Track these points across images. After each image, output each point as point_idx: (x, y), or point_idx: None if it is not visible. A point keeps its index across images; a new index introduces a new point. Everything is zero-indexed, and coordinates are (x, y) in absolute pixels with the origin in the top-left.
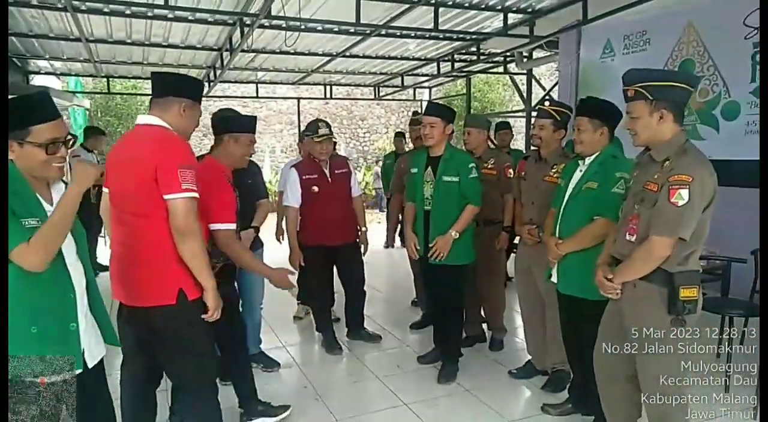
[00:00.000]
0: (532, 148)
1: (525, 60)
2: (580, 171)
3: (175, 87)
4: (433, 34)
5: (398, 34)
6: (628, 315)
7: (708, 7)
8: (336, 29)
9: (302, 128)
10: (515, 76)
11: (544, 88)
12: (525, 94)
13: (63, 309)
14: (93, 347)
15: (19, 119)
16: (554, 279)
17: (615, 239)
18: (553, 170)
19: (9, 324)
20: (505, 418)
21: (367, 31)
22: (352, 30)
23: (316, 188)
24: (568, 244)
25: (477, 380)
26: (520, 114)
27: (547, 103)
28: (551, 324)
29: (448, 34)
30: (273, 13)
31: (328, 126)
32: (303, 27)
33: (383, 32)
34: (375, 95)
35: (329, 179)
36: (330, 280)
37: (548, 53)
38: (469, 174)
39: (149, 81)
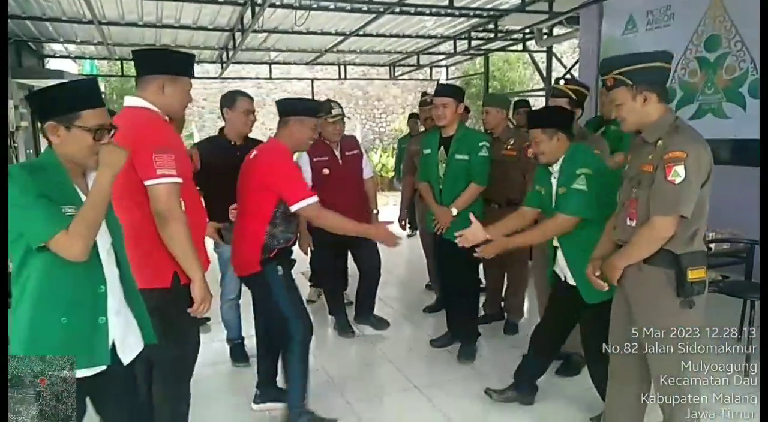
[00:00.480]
0: None
1: (545, 37)
2: (554, 178)
3: (150, 64)
4: (448, 10)
5: (413, 11)
6: (635, 299)
7: None
8: (348, 8)
9: None
10: (535, 54)
11: (565, 66)
12: (545, 72)
13: (93, 302)
14: (127, 342)
15: (71, 103)
16: (570, 281)
17: (615, 226)
18: None
19: (40, 313)
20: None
21: (381, 9)
22: (365, 8)
23: (326, 170)
24: (516, 240)
25: (491, 363)
26: (539, 93)
27: (562, 82)
28: None
29: (464, 11)
30: None
31: (341, 107)
32: (314, 5)
33: (397, 10)
34: (390, 75)
35: (340, 161)
36: (343, 263)
37: (569, 29)
38: (478, 152)
39: None
